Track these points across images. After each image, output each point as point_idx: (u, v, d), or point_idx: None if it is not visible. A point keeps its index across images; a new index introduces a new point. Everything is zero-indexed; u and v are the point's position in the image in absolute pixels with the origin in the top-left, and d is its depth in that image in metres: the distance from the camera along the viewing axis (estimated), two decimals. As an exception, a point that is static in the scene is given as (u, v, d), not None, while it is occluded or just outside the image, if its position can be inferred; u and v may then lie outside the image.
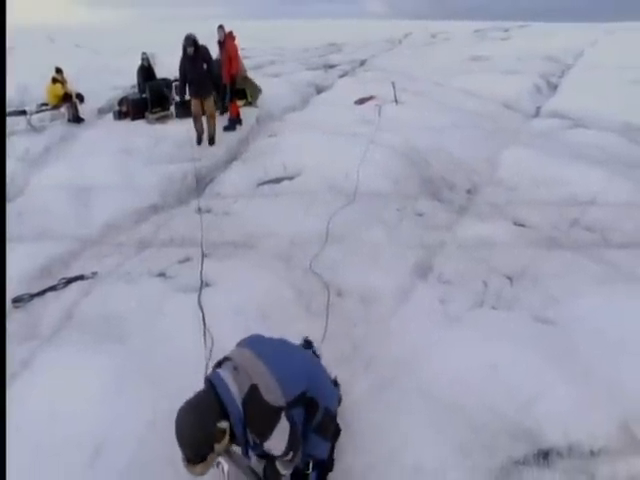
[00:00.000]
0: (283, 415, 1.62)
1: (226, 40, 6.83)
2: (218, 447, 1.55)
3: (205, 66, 6.30)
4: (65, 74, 8.13)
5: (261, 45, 19.90)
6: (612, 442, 2.16)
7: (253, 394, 1.59)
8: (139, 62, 8.28)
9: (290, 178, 5.39)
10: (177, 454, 2.18)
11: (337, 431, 2.17)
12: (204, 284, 3.42)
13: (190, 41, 6.09)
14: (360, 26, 35.52)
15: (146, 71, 8.07)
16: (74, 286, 3.57)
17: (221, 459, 2.01)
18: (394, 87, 8.13)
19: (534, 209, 4.61)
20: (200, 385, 1.90)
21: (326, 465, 2.03)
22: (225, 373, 1.65)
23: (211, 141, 6.63)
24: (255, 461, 2.02)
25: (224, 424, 1.55)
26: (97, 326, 3.09)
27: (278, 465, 1.80)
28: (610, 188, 4.88)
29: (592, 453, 2.15)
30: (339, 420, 2.12)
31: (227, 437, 1.57)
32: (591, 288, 3.24)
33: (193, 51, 6.12)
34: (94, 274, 3.69)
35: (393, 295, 3.26)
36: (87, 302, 3.36)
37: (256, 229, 4.26)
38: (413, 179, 5.27)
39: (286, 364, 1.75)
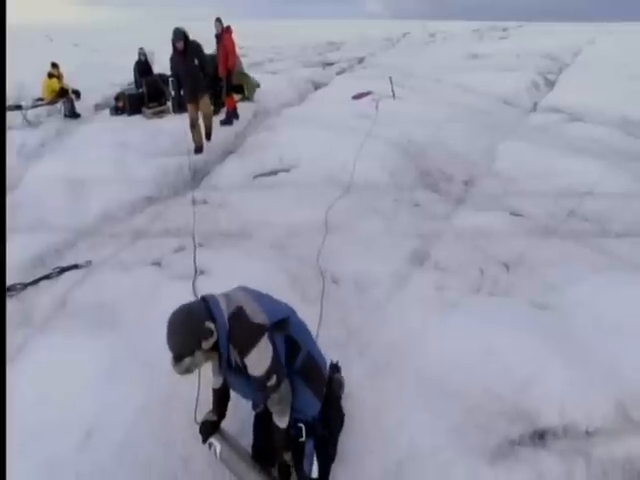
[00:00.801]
0: (266, 336, 1.69)
1: (223, 34, 6.81)
2: (205, 344, 1.66)
3: (197, 62, 5.80)
4: (62, 70, 8.10)
5: (259, 44, 19.92)
6: (608, 423, 2.15)
7: (239, 312, 1.72)
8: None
9: (286, 170, 5.37)
10: (170, 438, 2.21)
11: (341, 420, 2.16)
12: (198, 272, 3.39)
13: (179, 35, 5.58)
14: (358, 26, 35.59)
15: (143, 66, 8.06)
16: (68, 275, 3.54)
17: (214, 439, 2.01)
18: (391, 82, 8.12)
19: (531, 200, 4.60)
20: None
21: (329, 454, 2.00)
22: (217, 295, 1.81)
23: (208, 136, 6.39)
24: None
25: (211, 325, 1.67)
26: (90, 313, 3.06)
27: (274, 416, 1.81)
28: (608, 179, 4.88)
29: (588, 433, 2.13)
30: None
31: (213, 338, 1.68)
32: (589, 275, 3.22)
33: (183, 46, 5.62)
34: (88, 263, 3.67)
35: (389, 282, 3.24)
36: (81, 290, 3.33)
37: (251, 219, 4.23)
38: (410, 171, 5.26)
39: (272, 300, 1.93)
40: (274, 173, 5.35)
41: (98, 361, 2.56)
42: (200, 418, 2.11)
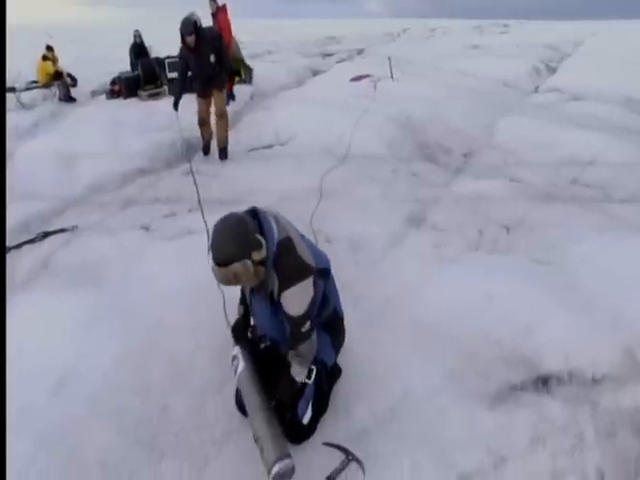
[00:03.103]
0: (311, 278, 1.57)
1: (218, 12, 6.71)
2: (255, 254, 1.51)
3: (214, 59, 4.50)
4: (56, 52, 8.00)
5: (257, 39, 19.81)
6: (615, 369, 2.01)
7: (288, 243, 1.58)
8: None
9: (282, 144, 5.25)
10: (147, 387, 2.09)
11: (339, 373, 2.04)
12: (188, 232, 3.27)
13: (189, 28, 4.28)
14: (359, 23, 35.50)
15: (138, 48, 7.96)
16: (53, 238, 3.42)
17: (239, 354, 1.87)
18: (390, 63, 7.99)
19: (532, 169, 4.47)
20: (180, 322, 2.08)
21: (322, 405, 1.88)
22: (267, 214, 1.64)
23: (222, 153, 4.92)
24: None
25: (262, 239, 1.53)
26: (73, 272, 2.94)
27: (294, 367, 1.71)
28: (610, 150, 4.75)
29: (594, 380, 1.99)
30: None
31: (262, 253, 1.53)
32: (593, 235, 3.08)
33: (195, 41, 4.32)
34: (74, 228, 3.55)
35: (384, 241, 3.11)
36: (65, 252, 3.22)
37: (245, 188, 4.11)
38: (408, 144, 5.14)
39: (313, 245, 1.79)
40: (269, 147, 5.23)
41: (77, 314, 2.44)
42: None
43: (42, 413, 1.95)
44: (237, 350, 1.88)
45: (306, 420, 1.76)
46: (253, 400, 1.71)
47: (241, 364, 1.81)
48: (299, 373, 1.71)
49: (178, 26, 4.37)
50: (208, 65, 4.52)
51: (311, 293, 1.59)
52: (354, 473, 1.65)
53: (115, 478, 1.73)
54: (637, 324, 2.14)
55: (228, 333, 2.15)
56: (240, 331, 2.00)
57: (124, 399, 2.01)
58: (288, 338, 1.69)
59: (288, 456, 1.56)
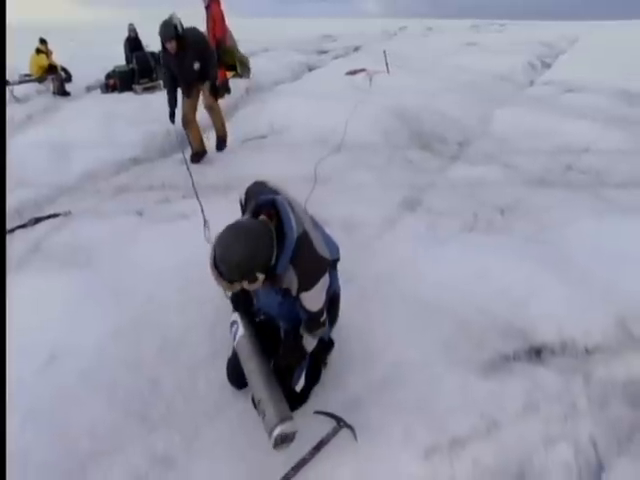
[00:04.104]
0: (327, 272, 1.52)
1: (211, 4, 6.67)
2: (265, 267, 1.38)
3: (197, 66, 4.04)
4: (51, 46, 7.96)
5: (253, 37, 19.77)
6: (608, 340, 2.01)
7: (305, 237, 1.46)
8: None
9: (277, 134, 5.24)
10: (138, 362, 2.06)
11: (331, 344, 2.01)
12: (182, 217, 3.26)
13: (169, 33, 3.78)
14: (355, 23, 35.51)
15: (133, 42, 7.93)
16: (46, 223, 3.40)
17: (239, 319, 1.83)
18: (385, 56, 7.99)
19: (527, 156, 4.47)
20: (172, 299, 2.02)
21: (316, 375, 1.89)
22: (284, 203, 1.47)
23: (221, 143, 4.61)
24: None
25: (274, 250, 1.39)
26: (66, 255, 2.92)
27: (307, 338, 1.64)
28: (605, 137, 4.76)
29: (587, 351, 1.99)
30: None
31: (274, 259, 1.40)
32: (588, 216, 3.08)
33: (175, 47, 3.86)
34: (67, 213, 3.52)
35: (378, 223, 3.10)
36: (57, 236, 3.19)
37: (239, 174, 4.08)
38: (403, 133, 5.13)
39: (325, 233, 1.71)
40: (264, 137, 5.22)
41: (68, 292, 2.43)
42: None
43: (31, 388, 1.93)
44: (236, 316, 1.84)
45: (299, 388, 1.75)
46: (254, 364, 1.67)
47: (240, 329, 1.77)
48: (310, 344, 1.67)
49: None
50: (191, 72, 4.08)
51: (326, 286, 1.56)
52: (346, 439, 1.64)
53: (105, 449, 1.71)
54: (630, 297, 2.14)
55: (225, 302, 2.08)
56: (240, 297, 1.91)
57: (115, 373, 1.99)
58: (303, 325, 1.64)
59: (290, 418, 1.52)
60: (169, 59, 4.04)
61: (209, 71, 4.16)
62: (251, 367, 1.68)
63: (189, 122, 4.40)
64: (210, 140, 4.73)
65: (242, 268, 1.34)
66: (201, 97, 4.41)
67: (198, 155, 4.51)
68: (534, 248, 2.63)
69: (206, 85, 4.23)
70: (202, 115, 4.60)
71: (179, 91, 4.33)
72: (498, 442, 1.60)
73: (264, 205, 1.47)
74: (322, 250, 1.51)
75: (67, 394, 1.90)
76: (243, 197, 1.70)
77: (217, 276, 1.38)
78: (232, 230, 1.37)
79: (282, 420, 1.50)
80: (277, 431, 1.48)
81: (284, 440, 1.51)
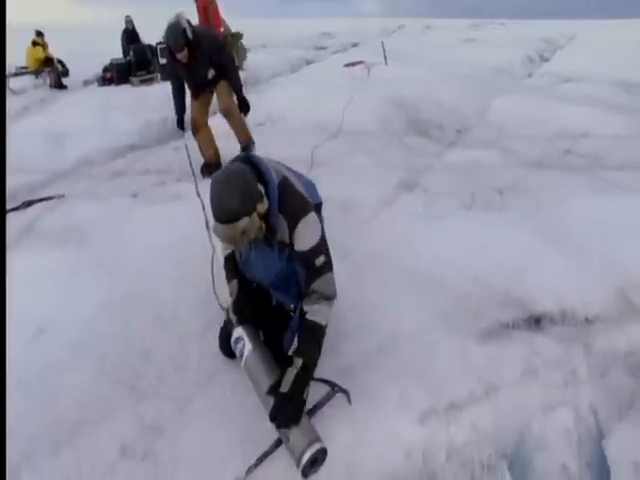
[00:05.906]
0: (313, 211, 1.54)
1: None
2: (260, 207, 1.42)
3: (212, 74, 3.43)
4: (46, 38, 7.92)
5: (252, 36, 19.75)
6: (608, 309, 1.97)
7: (286, 182, 1.53)
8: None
9: (274, 122, 5.20)
10: (129, 334, 2.02)
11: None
12: (176, 198, 3.22)
13: (179, 40, 3.12)
14: (354, 22, 35.50)
15: (130, 34, 7.89)
16: (39, 205, 3.36)
17: (244, 335, 1.69)
18: (383, 48, 7.95)
19: (525, 141, 4.44)
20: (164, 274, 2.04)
21: None
22: (262, 159, 1.54)
23: (246, 145, 3.94)
24: None
25: (262, 188, 1.45)
26: (58, 233, 2.88)
27: (318, 314, 1.54)
28: (603, 123, 4.73)
29: (587, 320, 1.96)
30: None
31: (265, 204, 1.44)
32: (586, 195, 3.05)
33: (187, 56, 3.21)
34: (60, 196, 3.49)
35: (376, 203, 3.06)
36: (50, 216, 3.15)
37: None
38: (401, 121, 5.10)
39: (302, 176, 1.76)
40: (261, 125, 5.18)
41: (60, 268, 2.38)
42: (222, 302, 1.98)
43: (20, 359, 1.88)
44: (240, 331, 1.69)
45: (292, 351, 1.70)
46: (268, 384, 1.54)
47: (248, 346, 1.62)
48: (324, 317, 1.54)
49: (163, 35, 3.25)
50: (205, 81, 3.48)
51: (319, 226, 1.55)
52: (342, 406, 1.60)
53: (93, 416, 1.67)
54: (629, 268, 2.10)
55: (218, 307, 2.06)
56: (244, 309, 1.74)
57: (105, 345, 1.95)
58: (303, 280, 1.57)
59: (318, 440, 1.38)
60: (178, 67, 3.38)
61: (230, 79, 3.55)
62: (265, 388, 1.54)
63: (200, 127, 3.73)
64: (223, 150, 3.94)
65: (239, 200, 1.37)
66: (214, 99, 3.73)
67: (209, 167, 3.75)
68: (532, 222, 2.59)
69: (221, 85, 3.58)
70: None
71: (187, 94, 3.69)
72: (496, 407, 1.56)
73: (239, 158, 1.55)
74: (304, 192, 1.58)
75: (56, 365, 1.86)
76: None
77: (221, 229, 1.39)
78: (217, 179, 1.42)
79: (310, 443, 1.36)
80: (307, 456, 1.33)
81: (314, 464, 1.38)
